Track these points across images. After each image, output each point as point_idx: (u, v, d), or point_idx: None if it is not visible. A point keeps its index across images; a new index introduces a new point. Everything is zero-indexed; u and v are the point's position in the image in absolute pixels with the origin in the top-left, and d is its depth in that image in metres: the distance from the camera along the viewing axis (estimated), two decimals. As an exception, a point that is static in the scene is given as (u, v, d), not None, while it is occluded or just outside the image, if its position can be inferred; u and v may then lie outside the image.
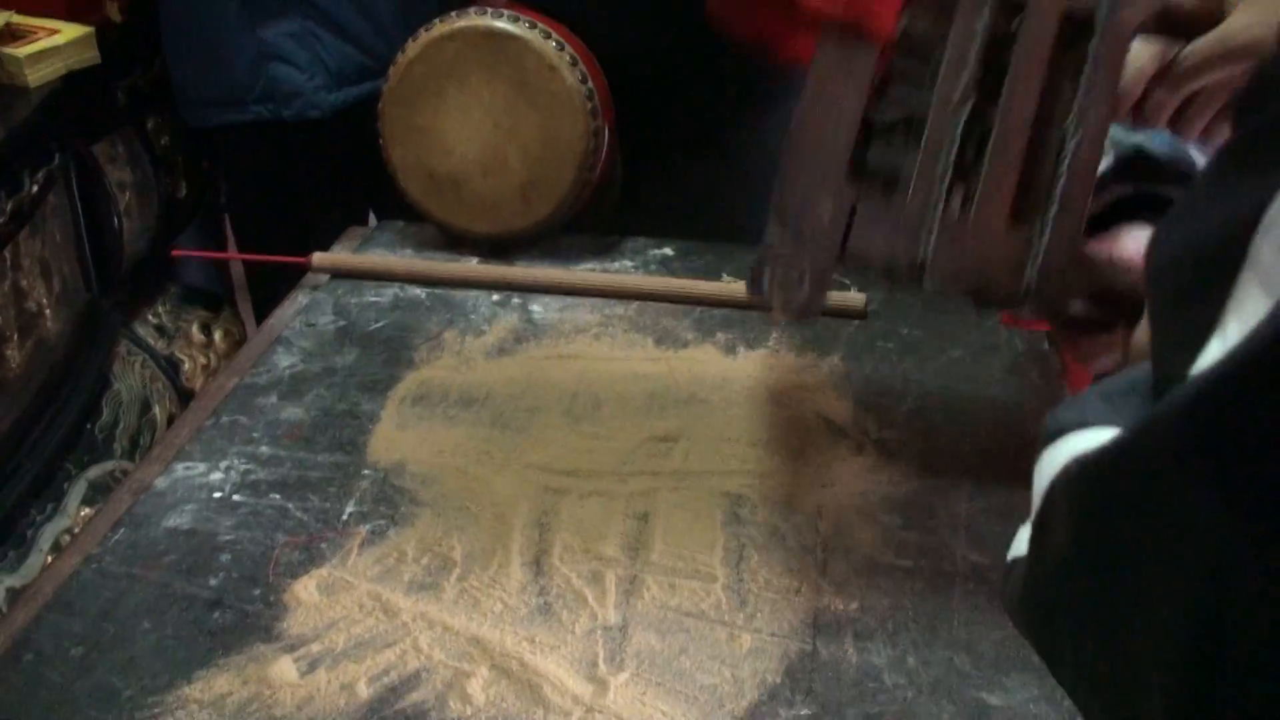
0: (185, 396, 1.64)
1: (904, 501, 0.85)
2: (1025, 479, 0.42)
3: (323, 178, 1.63)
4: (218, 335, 1.77)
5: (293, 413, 0.96)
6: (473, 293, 1.13)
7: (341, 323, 1.09)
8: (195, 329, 1.74)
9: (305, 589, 0.78)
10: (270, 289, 1.39)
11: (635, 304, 1.11)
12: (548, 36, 1.11)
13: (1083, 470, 0.35)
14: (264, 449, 0.92)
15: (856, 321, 1.07)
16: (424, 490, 0.87)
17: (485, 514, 0.84)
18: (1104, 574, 0.35)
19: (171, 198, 1.71)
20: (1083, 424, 0.40)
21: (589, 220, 1.23)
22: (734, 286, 1.12)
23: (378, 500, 0.86)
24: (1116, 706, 0.36)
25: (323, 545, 0.82)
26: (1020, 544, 0.44)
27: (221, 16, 1.51)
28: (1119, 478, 0.33)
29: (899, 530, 0.83)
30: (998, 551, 0.80)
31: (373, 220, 1.50)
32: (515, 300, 1.12)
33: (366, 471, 0.89)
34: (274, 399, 0.98)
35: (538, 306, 1.11)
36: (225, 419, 0.96)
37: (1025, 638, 0.44)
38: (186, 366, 1.69)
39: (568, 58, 1.11)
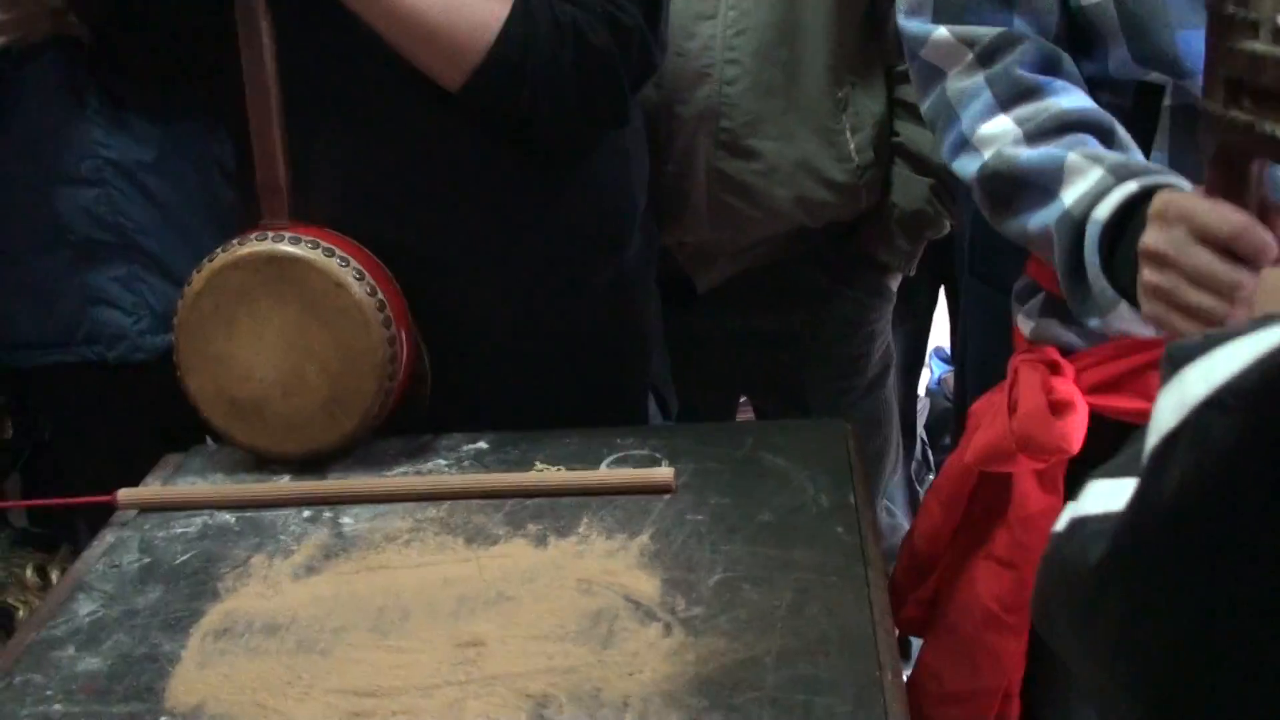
0: (22, 646, 1.57)
1: (710, 680, 0.85)
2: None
3: (150, 413, 1.60)
4: (55, 576, 1.70)
5: (89, 664, 0.93)
6: (283, 512, 1.12)
7: (146, 560, 1.07)
8: (29, 573, 1.68)
9: None
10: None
11: (448, 503, 1.10)
12: (331, 254, 1.12)
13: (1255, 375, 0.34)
14: (57, 707, 0.89)
15: (666, 497, 1.08)
16: (222, 732, 0.84)
17: (285, 749, 0.82)
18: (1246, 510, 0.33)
19: (-5, 442, 1.67)
20: (1219, 341, 0.38)
21: (401, 422, 1.23)
22: (547, 475, 1.12)
23: (173, 749, 0.83)
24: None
25: (112, 806, 0.78)
26: (1101, 500, 0.42)
27: (51, 262, 1.51)
28: None
29: (705, 712, 0.82)
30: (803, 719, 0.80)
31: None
32: (327, 514, 1.11)
33: (164, 719, 0.86)
34: (71, 650, 0.95)
35: (349, 518, 1.10)
36: (19, 679, 0.92)
37: (1072, 607, 0.41)
38: (21, 614, 1.62)
39: (353, 272, 1.12)
